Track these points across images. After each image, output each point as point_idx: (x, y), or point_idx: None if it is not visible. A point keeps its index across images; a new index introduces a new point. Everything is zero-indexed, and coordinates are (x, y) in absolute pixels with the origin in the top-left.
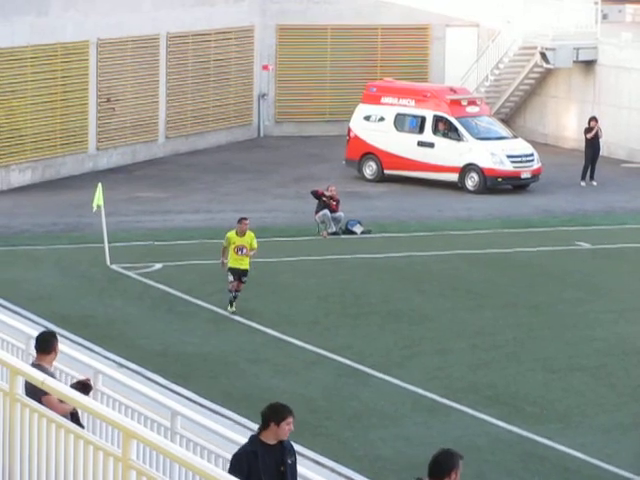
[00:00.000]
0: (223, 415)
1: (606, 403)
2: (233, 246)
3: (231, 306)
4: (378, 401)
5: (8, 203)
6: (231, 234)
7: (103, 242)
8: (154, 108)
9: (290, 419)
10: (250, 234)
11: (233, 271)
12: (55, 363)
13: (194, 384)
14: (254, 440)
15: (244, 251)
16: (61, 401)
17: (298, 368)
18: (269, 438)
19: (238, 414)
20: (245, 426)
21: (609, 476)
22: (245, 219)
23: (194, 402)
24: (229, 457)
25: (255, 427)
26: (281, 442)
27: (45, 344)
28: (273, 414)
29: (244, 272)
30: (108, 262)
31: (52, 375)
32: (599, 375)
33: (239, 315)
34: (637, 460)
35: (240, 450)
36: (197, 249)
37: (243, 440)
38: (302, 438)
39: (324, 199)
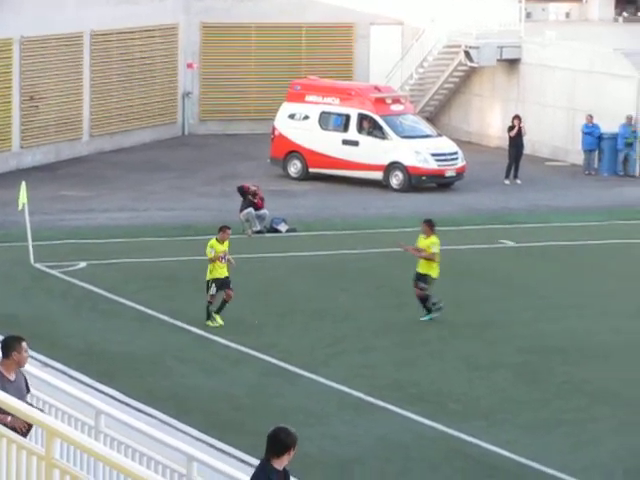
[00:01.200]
0: (148, 414)
1: (529, 400)
2: (217, 255)
3: (212, 319)
4: (304, 399)
5: None
6: (214, 242)
7: (27, 241)
8: (78, 106)
9: (292, 452)
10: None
11: (218, 281)
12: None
13: (119, 383)
14: (266, 466)
15: (227, 258)
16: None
17: (224, 367)
18: (277, 464)
19: (163, 413)
20: (170, 424)
21: (533, 473)
22: (228, 228)
23: (119, 401)
24: (154, 456)
25: (177, 424)
26: (284, 470)
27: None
28: (291, 442)
29: (228, 280)
30: (32, 261)
31: (8, 380)
32: (522, 373)
33: (164, 314)
34: (560, 457)
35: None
36: (121, 248)
37: (169, 440)
38: (226, 436)
39: (249, 196)
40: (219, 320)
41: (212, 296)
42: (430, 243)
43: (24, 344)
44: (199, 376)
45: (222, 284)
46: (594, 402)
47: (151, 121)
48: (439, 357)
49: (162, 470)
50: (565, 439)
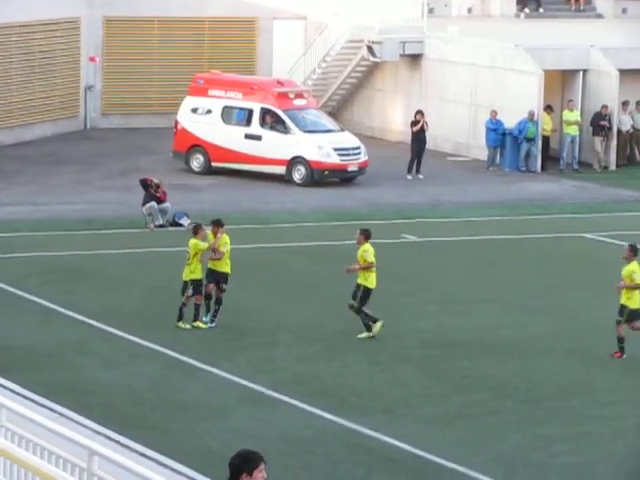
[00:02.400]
0: (48, 407)
1: (431, 394)
2: (200, 253)
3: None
4: (205, 394)
5: None
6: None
7: None
8: None
9: (262, 466)
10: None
11: (195, 282)
12: None
13: (18, 376)
14: None
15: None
16: None
17: (124, 360)
18: None
19: (64, 406)
20: (70, 418)
21: (433, 466)
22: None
23: (19, 394)
24: (55, 450)
25: (77, 418)
26: None
27: None
28: (244, 464)
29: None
30: None
31: None
32: (424, 367)
33: (65, 307)
34: (461, 450)
35: None
36: (22, 241)
37: (69, 434)
38: (127, 430)
39: (151, 190)
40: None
41: (188, 297)
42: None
43: None
44: (99, 369)
45: (200, 286)
46: (495, 396)
47: (52, 115)
48: (341, 351)
49: (63, 464)
50: (466, 433)
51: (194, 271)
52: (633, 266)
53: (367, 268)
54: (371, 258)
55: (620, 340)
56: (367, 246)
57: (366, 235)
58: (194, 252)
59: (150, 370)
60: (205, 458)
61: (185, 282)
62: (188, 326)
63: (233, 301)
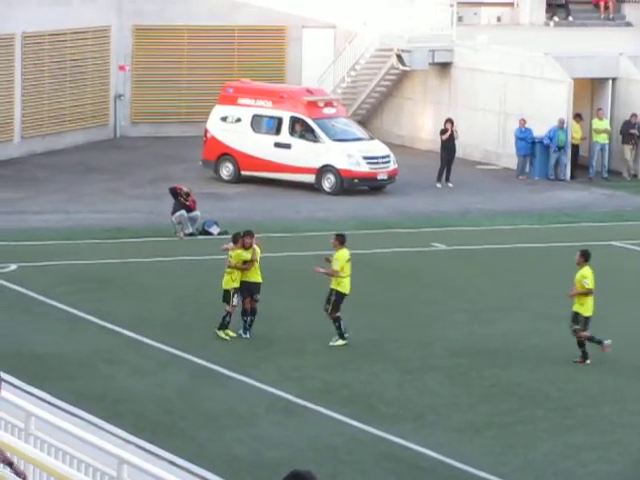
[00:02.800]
0: (78, 416)
1: (460, 403)
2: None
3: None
4: (233, 402)
5: None
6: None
7: None
8: (9, 108)
9: None
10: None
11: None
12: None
13: (49, 385)
14: None
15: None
16: None
17: (154, 369)
18: None
19: (93, 415)
20: (100, 427)
21: (464, 475)
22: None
23: (49, 403)
24: (84, 458)
25: (107, 426)
26: None
27: None
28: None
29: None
30: None
31: None
32: (453, 375)
33: (95, 316)
34: (491, 459)
35: None
36: (53, 250)
37: (99, 442)
38: (157, 438)
39: (181, 198)
40: (231, 334)
41: (234, 306)
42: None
43: None
44: (129, 378)
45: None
46: (525, 404)
47: (83, 123)
48: (370, 359)
49: (92, 473)
50: (496, 441)
51: (236, 280)
52: (584, 271)
53: (332, 275)
54: (337, 266)
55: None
56: (341, 253)
57: (341, 240)
58: (236, 261)
59: (179, 378)
60: (233, 466)
61: (227, 291)
62: (227, 337)
63: (263, 309)
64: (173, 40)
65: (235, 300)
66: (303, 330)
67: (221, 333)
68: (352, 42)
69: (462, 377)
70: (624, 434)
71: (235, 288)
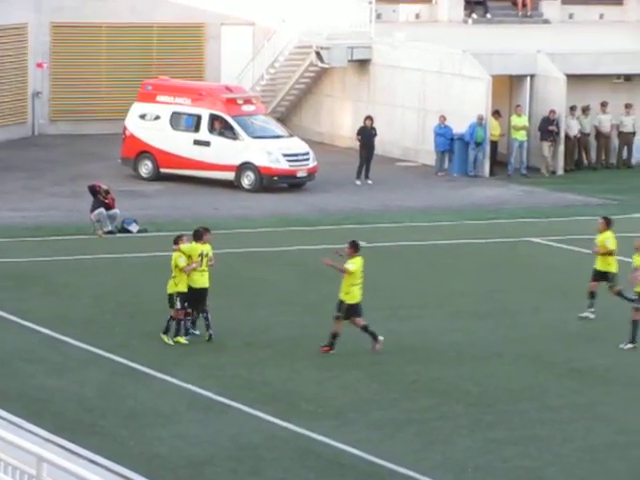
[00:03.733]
0: None
1: (380, 400)
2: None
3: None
4: (154, 400)
5: None
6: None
7: None
8: None
9: None
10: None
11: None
12: None
13: None
14: None
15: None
16: None
17: (74, 367)
18: None
19: (12, 414)
20: (19, 426)
21: (384, 471)
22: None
23: None
24: (2, 457)
25: (26, 425)
26: None
27: None
28: None
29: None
30: None
31: None
32: (373, 372)
33: (13, 314)
34: (412, 455)
35: None
36: None
37: (18, 441)
38: (77, 437)
39: (100, 196)
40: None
41: (177, 311)
42: None
43: None
44: (49, 377)
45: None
46: (445, 400)
47: (1, 121)
48: (290, 357)
49: (12, 472)
50: (416, 437)
51: (179, 284)
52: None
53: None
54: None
55: (334, 336)
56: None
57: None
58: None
59: (100, 377)
60: (154, 464)
61: (171, 295)
62: (171, 342)
63: None
64: (91, 37)
65: (179, 304)
66: (223, 328)
67: (166, 338)
68: (271, 39)
69: (382, 374)
70: (544, 430)
71: (179, 293)
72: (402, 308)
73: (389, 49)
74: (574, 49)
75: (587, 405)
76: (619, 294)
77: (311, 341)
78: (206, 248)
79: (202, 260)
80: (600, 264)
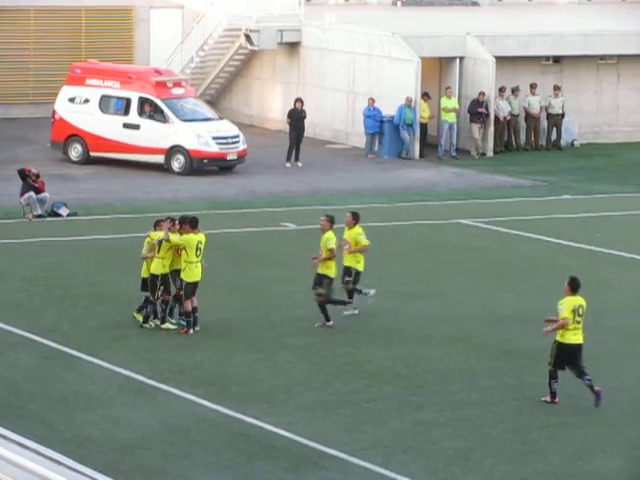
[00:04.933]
0: None
1: (312, 382)
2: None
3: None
4: (84, 383)
5: None
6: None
7: None
8: None
9: None
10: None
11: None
12: None
13: None
14: None
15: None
16: None
17: (2, 350)
18: None
19: None
20: None
21: (315, 453)
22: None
23: None
24: None
25: None
26: None
27: None
28: None
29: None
30: None
31: None
32: (304, 354)
33: None
34: (342, 436)
35: None
36: None
37: None
38: (5, 420)
39: (30, 180)
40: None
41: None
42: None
43: None
44: None
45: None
46: (375, 382)
47: None
48: (221, 340)
49: None
50: (347, 419)
51: (166, 265)
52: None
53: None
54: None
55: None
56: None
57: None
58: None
59: (29, 360)
60: (85, 447)
61: (155, 276)
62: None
63: (113, 290)
64: (19, 21)
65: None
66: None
67: (148, 323)
68: (200, 22)
69: (313, 356)
70: (473, 411)
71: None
72: (333, 290)
73: (319, 32)
74: (503, 31)
75: (517, 386)
76: (354, 290)
77: (242, 323)
78: (201, 238)
79: (197, 251)
80: (349, 260)
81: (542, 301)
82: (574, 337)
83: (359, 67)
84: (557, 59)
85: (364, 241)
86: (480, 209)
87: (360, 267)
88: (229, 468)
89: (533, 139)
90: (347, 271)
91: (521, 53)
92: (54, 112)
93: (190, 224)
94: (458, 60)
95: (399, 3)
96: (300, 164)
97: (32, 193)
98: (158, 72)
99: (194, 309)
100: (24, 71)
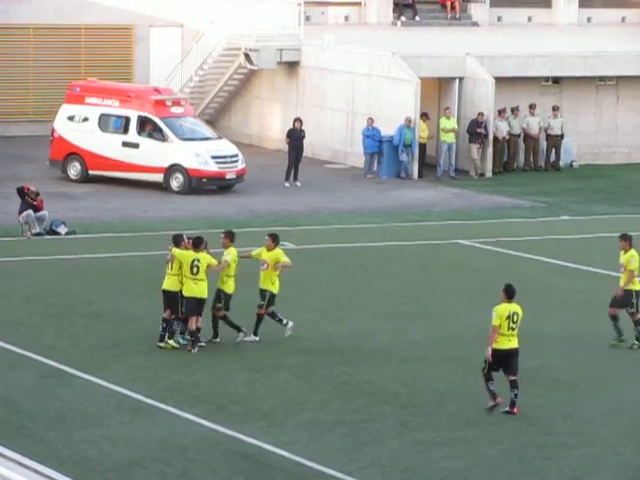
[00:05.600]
0: None
1: (310, 401)
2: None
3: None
4: (83, 402)
5: None
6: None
7: None
8: None
9: None
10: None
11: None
12: None
13: None
14: None
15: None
16: None
17: (1, 369)
18: None
19: None
20: None
21: (312, 473)
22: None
23: None
24: None
25: None
26: None
27: None
28: None
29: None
30: None
31: None
32: (302, 374)
33: None
34: (340, 457)
35: None
36: None
37: None
38: (4, 439)
39: (28, 198)
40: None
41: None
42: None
43: None
44: None
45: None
46: (373, 402)
47: None
48: (219, 359)
49: None
50: (345, 439)
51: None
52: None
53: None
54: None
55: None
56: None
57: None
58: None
59: (28, 379)
60: (83, 466)
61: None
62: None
63: (111, 308)
64: (19, 39)
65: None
66: (152, 330)
67: (171, 342)
68: (200, 41)
69: (312, 375)
70: (471, 431)
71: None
72: (331, 310)
73: (318, 51)
74: (503, 52)
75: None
76: (270, 315)
77: (240, 343)
78: (200, 256)
79: (193, 268)
80: (265, 282)
81: (539, 322)
82: (508, 342)
83: (358, 87)
84: (556, 80)
85: (286, 259)
86: (479, 230)
87: (275, 289)
88: None
89: (532, 160)
90: (262, 294)
91: (520, 74)
92: (53, 130)
93: (194, 242)
94: (457, 80)
95: (399, 23)
96: (299, 184)
97: (31, 211)
98: (157, 91)
99: (198, 329)
100: (23, 89)
